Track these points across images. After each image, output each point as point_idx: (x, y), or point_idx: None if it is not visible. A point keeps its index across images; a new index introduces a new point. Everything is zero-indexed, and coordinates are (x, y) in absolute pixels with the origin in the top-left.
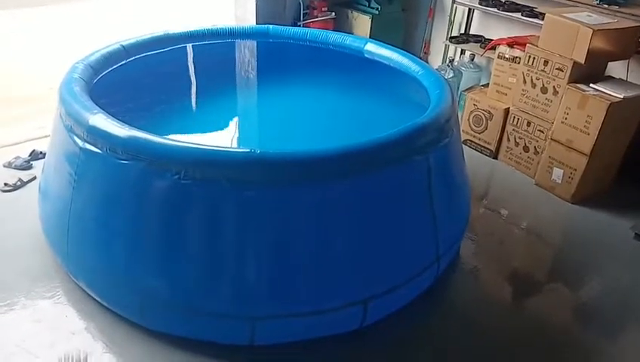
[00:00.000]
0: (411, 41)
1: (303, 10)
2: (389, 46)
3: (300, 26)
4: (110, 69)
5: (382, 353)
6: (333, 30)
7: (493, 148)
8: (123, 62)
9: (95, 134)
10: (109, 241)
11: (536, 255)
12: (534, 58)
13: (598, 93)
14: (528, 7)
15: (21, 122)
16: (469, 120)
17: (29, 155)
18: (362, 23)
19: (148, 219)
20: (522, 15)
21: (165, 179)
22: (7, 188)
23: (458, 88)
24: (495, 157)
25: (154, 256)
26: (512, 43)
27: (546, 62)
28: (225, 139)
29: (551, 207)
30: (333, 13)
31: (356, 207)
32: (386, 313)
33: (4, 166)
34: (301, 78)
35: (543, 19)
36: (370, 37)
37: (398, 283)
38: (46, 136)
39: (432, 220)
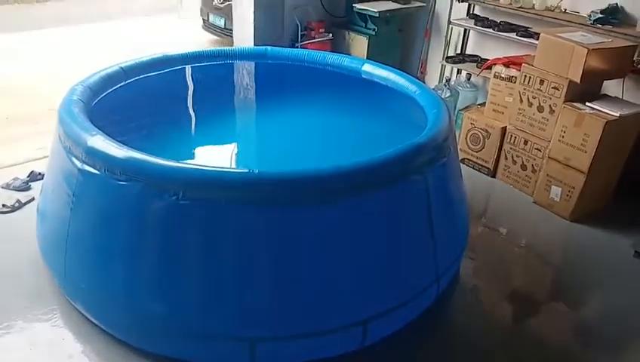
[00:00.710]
0: (408, 62)
1: (301, 31)
2: (386, 66)
3: (297, 47)
4: (109, 91)
5: None
6: (331, 51)
7: (490, 166)
8: (122, 84)
9: (93, 155)
10: (106, 263)
11: (535, 273)
12: (530, 77)
13: (594, 111)
14: (523, 27)
15: (20, 143)
16: (466, 139)
17: (28, 176)
18: (359, 43)
19: (146, 240)
20: (517, 35)
21: (163, 199)
22: (5, 210)
23: (455, 107)
24: (493, 176)
25: (152, 277)
26: (507, 63)
27: (541, 82)
28: (223, 159)
29: (550, 225)
30: (331, 35)
31: (355, 226)
32: (386, 333)
33: (2, 187)
34: (299, 99)
35: (537, 39)
36: (367, 57)
37: (397, 304)
38: (45, 157)
39: (432, 240)
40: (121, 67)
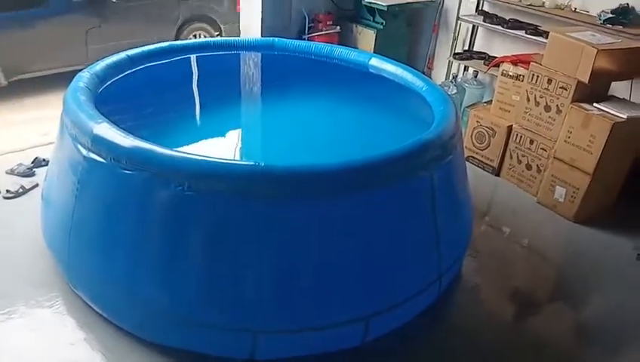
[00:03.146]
0: (415, 57)
1: (308, 23)
2: (394, 61)
3: (304, 39)
4: (116, 79)
5: None
6: (338, 44)
7: (495, 165)
8: (128, 72)
9: (99, 144)
10: (110, 251)
11: (538, 273)
12: (538, 76)
13: (601, 112)
14: (532, 25)
15: (24, 128)
16: (471, 136)
17: (32, 162)
18: (367, 37)
19: (150, 229)
20: (526, 33)
21: (169, 190)
22: (9, 195)
23: (461, 105)
24: (497, 175)
25: (155, 266)
26: (515, 61)
27: (549, 81)
28: (229, 150)
29: (553, 226)
30: (338, 27)
31: (359, 222)
32: (388, 330)
33: (7, 173)
34: (305, 92)
35: (546, 38)
36: (374, 51)
37: (399, 301)
38: (49, 143)
39: (435, 237)
40: (127, 55)
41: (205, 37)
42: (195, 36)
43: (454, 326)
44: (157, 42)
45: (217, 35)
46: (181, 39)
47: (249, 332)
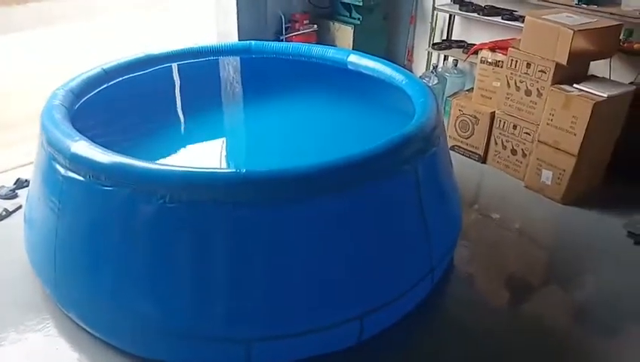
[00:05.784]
0: (395, 50)
1: (285, 24)
2: (372, 56)
3: (282, 40)
4: (92, 94)
5: None
6: (316, 43)
7: (481, 152)
8: (105, 86)
9: (77, 162)
10: (96, 269)
11: (529, 258)
12: (517, 61)
13: (582, 93)
14: (508, 10)
15: (5, 149)
16: (455, 125)
17: (14, 184)
18: (345, 33)
19: (135, 244)
20: (502, 19)
21: (151, 203)
22: None
23: (443, 94)
24: (484, 162)
25: (143, 281)
26: (493, 47)
27: (528, 65)
28: (211, 159)
29: (542, 209)
30: (315, 26)
31: (346, 221)
32: (383, 326)
33: None
34: (285, 93)
35: (523, 22)
36: (353, 47)
37: (393, 297)
38: (31, 163)
39: (425, 231)
40: (102, 68)
41: None
42: None
43: (450, 317)
44: None
45: None
46: None
47: (242, 342)
